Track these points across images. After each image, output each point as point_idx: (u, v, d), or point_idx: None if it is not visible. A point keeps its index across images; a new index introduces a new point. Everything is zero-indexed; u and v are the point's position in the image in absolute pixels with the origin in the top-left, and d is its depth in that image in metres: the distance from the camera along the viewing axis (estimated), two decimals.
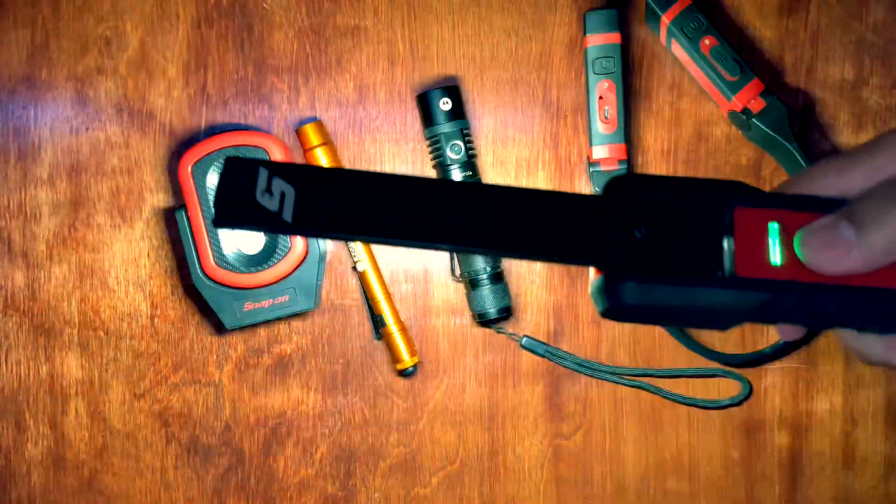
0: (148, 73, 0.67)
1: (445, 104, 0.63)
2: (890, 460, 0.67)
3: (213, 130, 0.66)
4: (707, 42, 0.62)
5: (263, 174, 0.31)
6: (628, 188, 0.34)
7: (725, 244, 0.33)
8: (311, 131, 0.65)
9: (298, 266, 0.64)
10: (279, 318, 0.66)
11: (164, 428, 0.68)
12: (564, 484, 0.68)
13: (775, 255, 0.33)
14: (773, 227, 0.33)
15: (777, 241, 0.33)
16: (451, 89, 0.64)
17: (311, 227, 0.32)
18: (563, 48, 0.66)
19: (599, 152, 0.63)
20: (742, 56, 0.63)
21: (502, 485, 0.68)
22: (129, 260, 0.67)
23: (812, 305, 0.33)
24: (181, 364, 0.68)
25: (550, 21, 0.66)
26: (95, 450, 0.68)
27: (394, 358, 0.66)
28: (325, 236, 0.33)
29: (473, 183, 0.32)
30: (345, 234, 0.32)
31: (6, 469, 0.68)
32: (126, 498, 0.68)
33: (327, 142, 0.65)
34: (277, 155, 0.63)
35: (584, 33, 0.63)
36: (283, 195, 0.31)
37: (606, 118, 0.63)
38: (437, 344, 0.67)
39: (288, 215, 0.31)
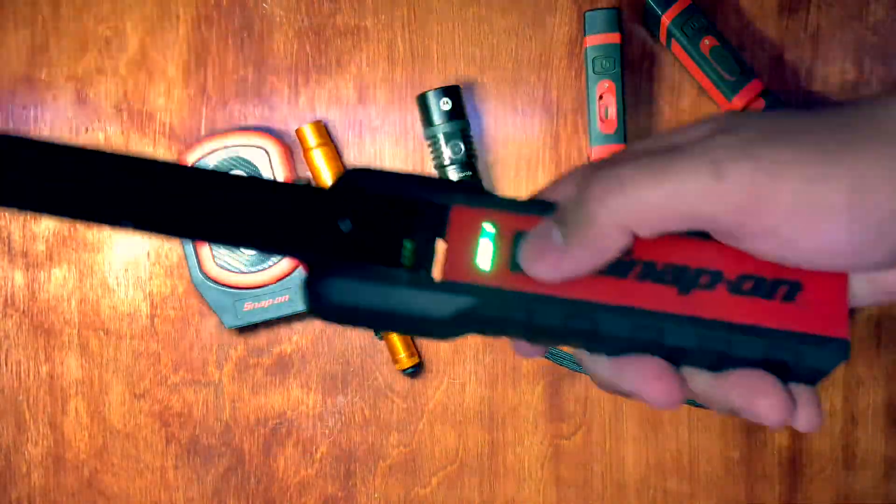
0: (148, 73, 0.67)
1: (445, 104, 0.63)
2: (890, 460, 0.67)
3: (212, 130, 0.66)
4: (707, 42, 0.62)
5: None
6: (356, 181, 0.31)
7: (436, 244, 0.31)
8: (310, 131, 0.65)
9: (298, 266, 0.64)
10: (279, 318, 0.66)
11: (164, 428, 0.68)
12: (564, 484, 0.68)
13: (485, 260, 0.30)
14: (488, 228, 0.31)
15: (491, 244, 0.31)
16: (451, 89, 0.64)
17: None
18: (563, 48, 0.66)
19: (599, 152, 0.63)
20: (742, 56, 0.63)
21: (502, 485, 0.68)
22: (129, 260, 0.67)
23: (521, 315, 0.30)
24: (181, 364, 0.68)
25: (550, 21, 0.66)
26: (95, 450, 0.68)
27: (394, 358, 0.66)
28: None
29: (185, 167, 0.30)
30: (17, 206, 0.29)
31: (6, 469, 0.68)
32: (126, 498, 0.68)
33: (327, 142, 0.65)
34: (277, 156, 0.63)
35: (584, 33, 0.63)
36: None
37: (606, 118, 0.63)
38: (438, 344, 0.67)
39: None
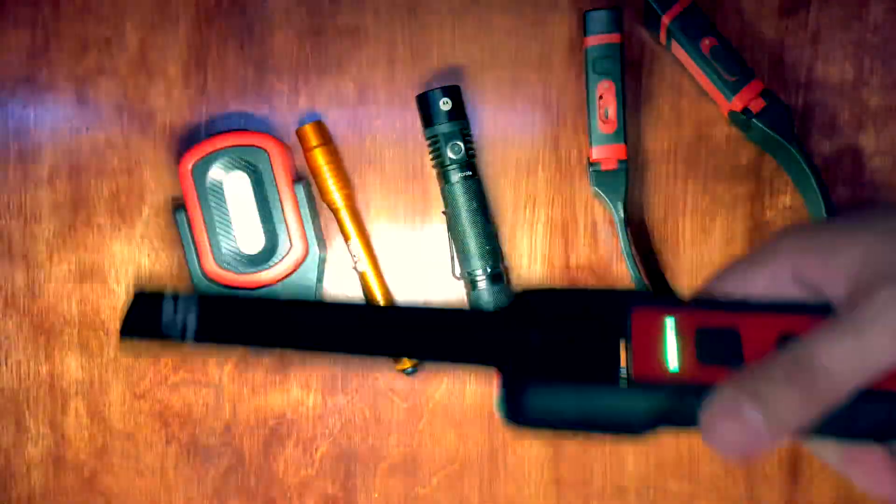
0: (148, 73, 0.67)
1: (445, 104, 0.63)
2: None
3: (213, 131, 0.66)
4: (707, 42, 0.62)
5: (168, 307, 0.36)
6: (531, 302, 0.34)
7: (623, 348, 0.32)
8: (311, 131, 0.65)
9: (298, 266, 0.64)
10: None
11: (164, 428, 0.68)
12: (564, 484, 0.68)
13: (672, 359, 0.32)
14: (669, 323, 0.32)
15: (675, 342, 0.32)
16: (451, 89, 0.64)
17: (211, 343, 0.37)
18: (563, 48, 0.66)
19: (599, 152, 0.63)
20: (742, 56, 0.63)
21: (502, 485, 0.68)
22: (129, 260, 0.67)
23: None
24: (181, 364, 0.68)
25: (550, 21, 0.66)
26: (95, 450, 0.68)
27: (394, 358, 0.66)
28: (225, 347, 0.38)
29: (374, 307, 0.36)
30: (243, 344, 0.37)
31: (6, 469, 0.68)
32: (126, 498, 0.68)
33: (327, 142, 0.65)
34: (277, 156, 0.63)
35: (584, 33, 0.63)
36: (185, 323, 0.36)
37: (606, 118, 0.63)
38: None
39: (191, 337, 0.36)
